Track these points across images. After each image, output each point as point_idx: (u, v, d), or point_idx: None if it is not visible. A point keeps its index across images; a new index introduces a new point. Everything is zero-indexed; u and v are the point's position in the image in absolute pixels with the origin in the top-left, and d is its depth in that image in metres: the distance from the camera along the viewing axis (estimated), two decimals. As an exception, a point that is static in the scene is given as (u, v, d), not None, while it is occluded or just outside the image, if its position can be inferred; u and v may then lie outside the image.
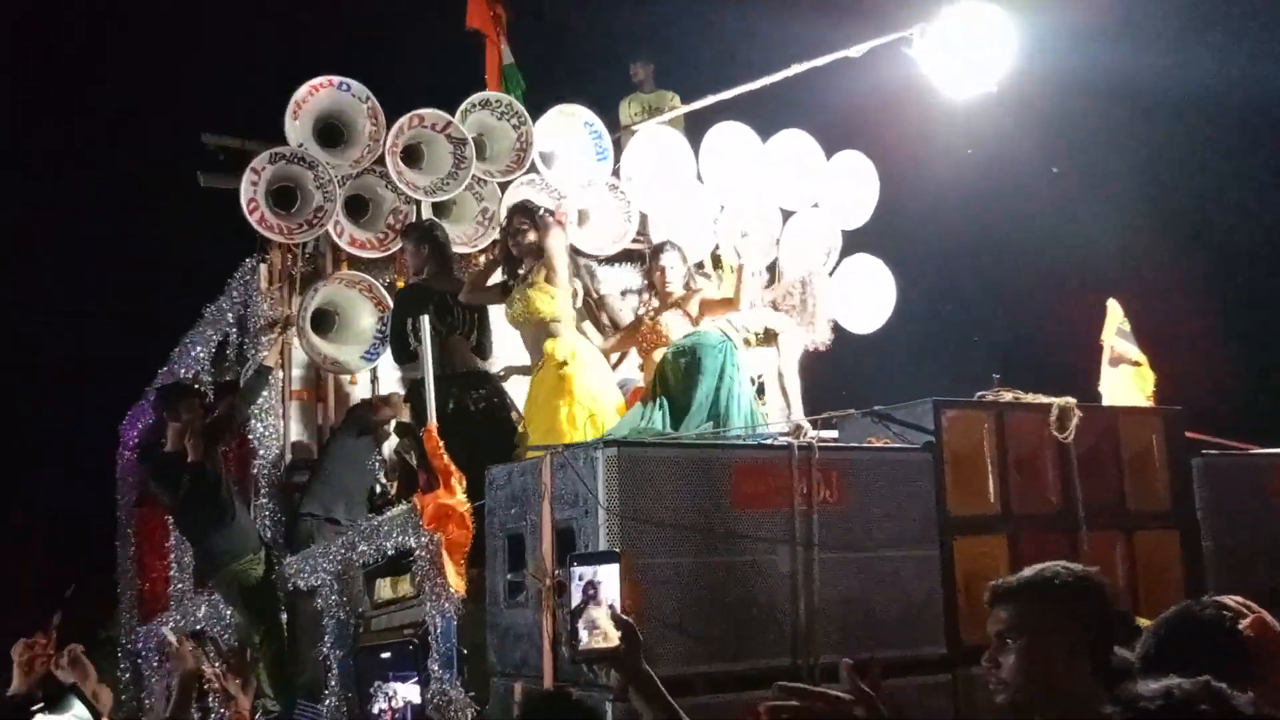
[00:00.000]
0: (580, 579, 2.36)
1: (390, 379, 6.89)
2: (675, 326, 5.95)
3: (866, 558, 4.53)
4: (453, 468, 4.91)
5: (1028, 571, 2.51)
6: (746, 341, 5.86)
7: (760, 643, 4.28)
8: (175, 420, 6.39)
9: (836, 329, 7.26)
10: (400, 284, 6.68)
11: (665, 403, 5.30)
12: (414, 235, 6.24)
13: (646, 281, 6.26)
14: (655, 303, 6.26)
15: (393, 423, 6.44)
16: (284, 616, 6.25)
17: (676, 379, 5.36)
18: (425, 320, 5.29)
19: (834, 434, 5.26)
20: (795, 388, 6.67)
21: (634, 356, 6.54)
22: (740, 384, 5.36)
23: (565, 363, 5.34)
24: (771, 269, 7.68)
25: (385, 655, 3.01)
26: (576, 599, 2.34)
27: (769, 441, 4.78)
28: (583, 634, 2.31)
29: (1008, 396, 5.20)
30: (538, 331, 5.59)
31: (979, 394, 5.23)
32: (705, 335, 5.63)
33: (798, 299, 6.10)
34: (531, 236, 5.69)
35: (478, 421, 5.74)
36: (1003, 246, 9.45)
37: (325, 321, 6.69)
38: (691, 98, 7.80)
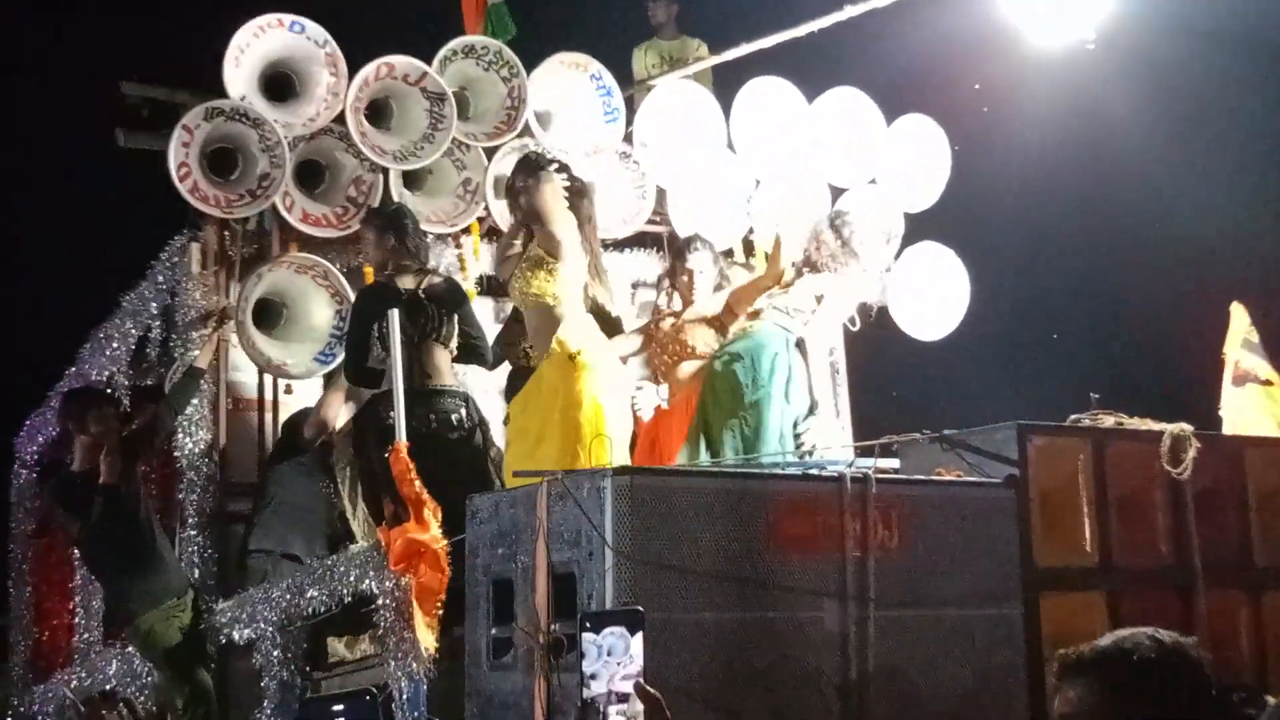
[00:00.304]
0: (601, 649, 2.38)
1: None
2: (703, 337, 5.98)
3: (932, 616, 4.57)
4: (426, 497, 4.94)
5: (1105, 640, 2.51)
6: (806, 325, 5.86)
7: (801, 718, 4.28)
8: (83, 433, 6.42)
9: (898, 335, 7.28)
10: (368, 271, 6.73)
11: (730, 433, 5.31)
12: (375, 223, 6.24)
13: (668, 283, 6.30)
14: (678, 303, 6.30)
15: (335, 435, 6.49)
16: (212, 676, 6.28)
17: (732, 396, 5.36)
18: (394, 315, 5.31)
19: (894, 464, 5.28)
20: (823, 367, 6.56)
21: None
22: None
23: (578, 354, 5.33)
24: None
25: (338, 708, 3.06)
26: (603, 678, 2.36)
27: (815, 471, 4.80)
28: (615, 717, 2.35)
29: (1108, 421, 5.23)
30: (540, 318, 5.59)
31: (1073, 418, 5.25)
32: (758, 333, 5.62)
33: (833, 244, 6.04)
34: (525, 198, 5.72)
35: (438, 445, 5.74)
36: (1102, 236, 9.46)
37: (270, 314, 6.71)
38: (721, 47, 7.83)
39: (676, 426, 5.89)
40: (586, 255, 5.70)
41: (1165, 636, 2.50)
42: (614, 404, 5.43)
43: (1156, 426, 5.19)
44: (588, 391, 5.33)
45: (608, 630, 2.39)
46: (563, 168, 5.89)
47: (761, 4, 7.59)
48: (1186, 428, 5.16)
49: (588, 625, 2.42)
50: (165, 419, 6.45)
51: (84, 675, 7.31)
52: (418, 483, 4.98)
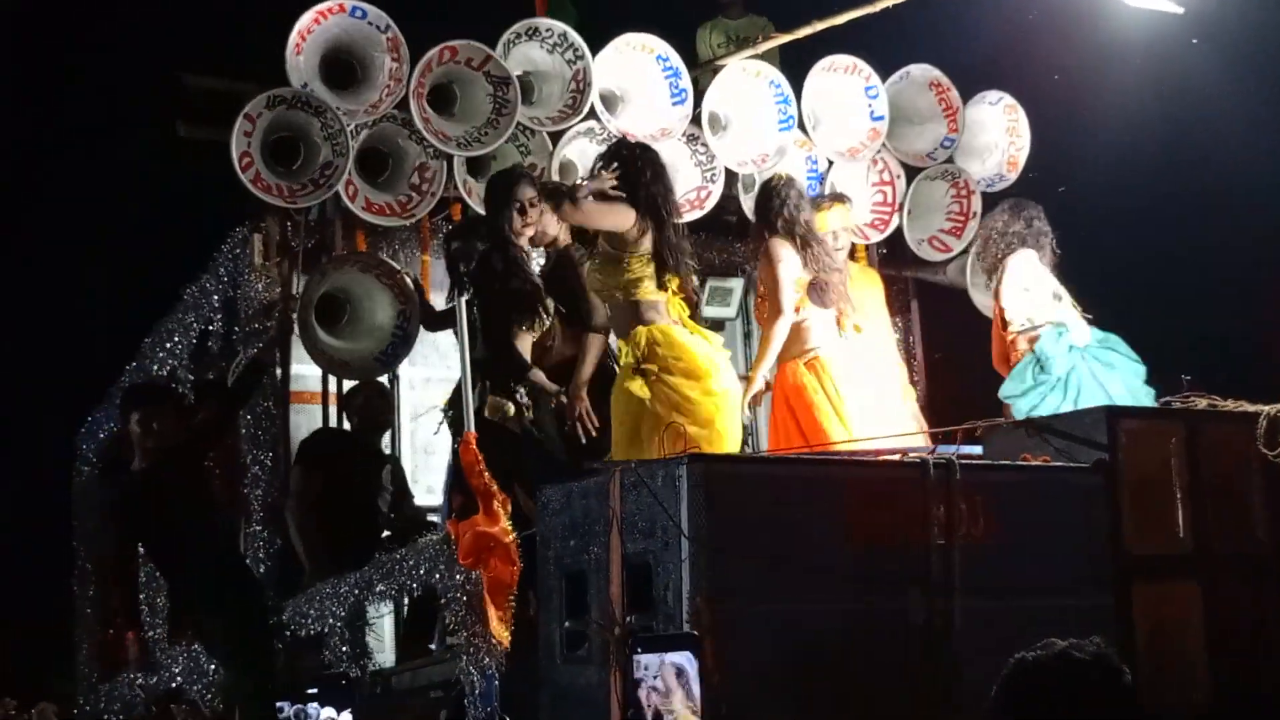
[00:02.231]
0: (649, 671, 2.30)
1: (412, 383, 7.03)
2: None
3: (1019, 605, 4.53)
4: (495, 489, 4.99)
5: (1015, 666, 2.41)
6: None
7: (884, 713, 4.30)
8: (124, 427, 6.50)
9: (978, 318, 7.23)
10: (425, 259, 6.79)
11: None
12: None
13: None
14: None
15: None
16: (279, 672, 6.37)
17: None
18: (463, 301, 5.36)
19: (978, 449, 5.27)
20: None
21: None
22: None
23: (641, 360, 5.39)
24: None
25: (311, 691, 3.22)
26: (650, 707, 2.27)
27: (897, 457, 4.81)
28: None
29: (1202, 404, 5.20)
30: (618, 311, 5.63)
31: (1165, 400, 5.22)
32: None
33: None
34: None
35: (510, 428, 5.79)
36: (1193, 212, 9.34)
37: (333, 312, 6.74)
38: (790, 25, 7.81)
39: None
40: (648, 236, 5.63)
41: (1083, 654, 2.40)
42: (696, 394, 5.45)
43: (1252, 408, 5.15)
44: (657, 386, 5.39)
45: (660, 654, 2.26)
46: (611, 156, 5.85)
47: (832, -20, 7.56)
48: (1285, 409, 5.12)
49: (640, 649, 2.29)
50: (228, 413, 6.53)
51: (150, 673, 7.44)
52: (486, 474, 5.04)
